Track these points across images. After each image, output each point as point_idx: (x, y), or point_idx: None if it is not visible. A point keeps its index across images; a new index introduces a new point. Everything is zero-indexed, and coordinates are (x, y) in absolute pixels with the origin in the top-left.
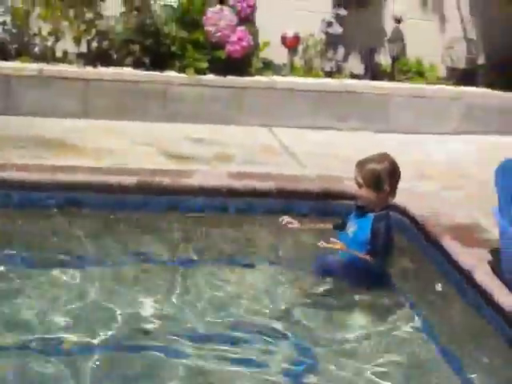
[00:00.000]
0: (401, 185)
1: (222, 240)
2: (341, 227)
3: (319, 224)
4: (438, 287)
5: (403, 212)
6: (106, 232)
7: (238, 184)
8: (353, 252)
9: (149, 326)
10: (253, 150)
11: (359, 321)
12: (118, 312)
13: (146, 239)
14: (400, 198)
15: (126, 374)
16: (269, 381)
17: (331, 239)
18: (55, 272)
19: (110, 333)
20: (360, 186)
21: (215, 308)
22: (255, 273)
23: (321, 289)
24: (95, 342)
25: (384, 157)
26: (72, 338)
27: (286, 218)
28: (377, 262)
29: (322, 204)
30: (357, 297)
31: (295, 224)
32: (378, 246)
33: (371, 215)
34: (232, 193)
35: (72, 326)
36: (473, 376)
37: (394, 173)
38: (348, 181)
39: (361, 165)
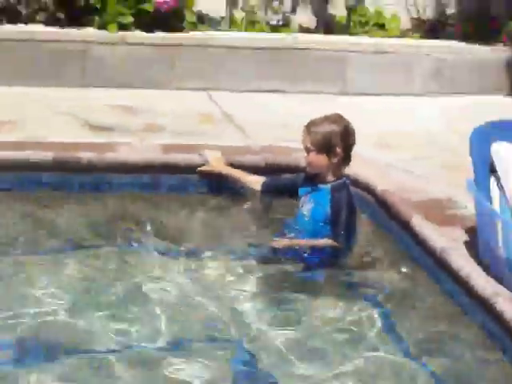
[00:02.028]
0: (363, 156)
1: (155, 224)
2: (269, 191)
3: (247, 175)
4: (405, 269)
5: (365, 187)
6: (19, 217)
7: (172, 158)
8: (312, 243)
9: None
10: (188, 118)
11: (321, 307)
12: None
13: (64, 223)
14: (362, 172)
15: None
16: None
17: (280, 241)
18: None
19: None
20: (309, 150)
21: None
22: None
23: (278, 274)
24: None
25: (335, 117)
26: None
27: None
28: (342, 242)
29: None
30: (320, 281)
31: (214, 156)
32: (340, 221)
33: (327, 186)
34: (164, 169)
35: None
36: (442, 370)
37: (347, 135)
38: (297, 152)
39: (309, 126)
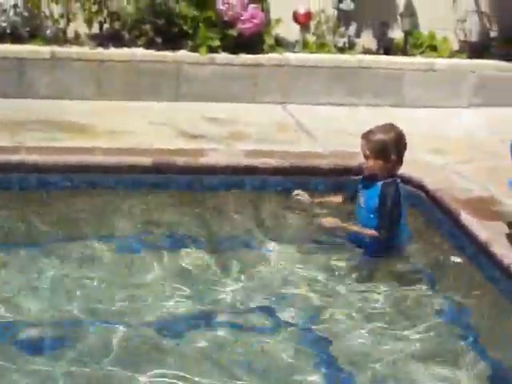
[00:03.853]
0: (415, 159)
1: (238, 219)
2: (350, 199)
3: (329, 197)
4: (454, 259)
5: (418, 185)
6: (120, 213)
7: (253, 162)
8: (355, 229)
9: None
10: (267, 127)
11: (375, 292)
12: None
13: (161, 219)
14: (414, 172)
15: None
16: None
17: (328, 219)
18: (71, 253)
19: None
20: (367, 157)
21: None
22: (273, 252)
23: (338, 262)
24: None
25: (389, 127)
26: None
27: (296, 191)
28: (384, 233)
29: (335, 180)
30: (371, 269)
31: (305, 198)
32: (385, 212)
33: (379, 183)
34: (247, 171)
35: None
36: (489, 351)
37: (400, 142)
38: (360, 156)
39: (367, 136)
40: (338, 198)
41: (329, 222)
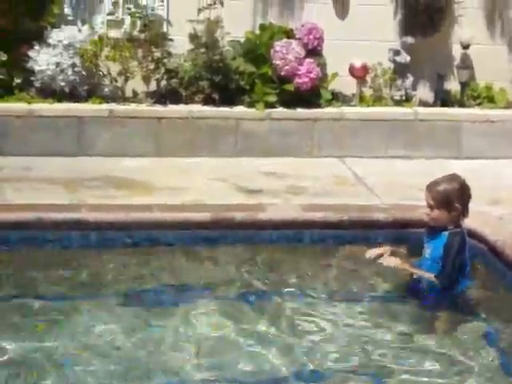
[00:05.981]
0: (476, 210)
1: (298, 273)
2: (415, 253)
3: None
4: None
5: (480, 238)
6: (182, 268)
7: (311, 216)
8: (416, 271)
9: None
10: (325, 181)
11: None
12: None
13: (221, 273)
14: (476, 224)
15: None
16: None
17: (391, 258)
18: (136, 309)
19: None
20: (432, 207)
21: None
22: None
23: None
24: None
25: (453, 177)
26: None
27: (376, 251)
28: (444, 281)
29: (395, 233)
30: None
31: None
32: (448, 261)
33: (445, 233)
34: (306, 225)
35: None
36: None
37: (464, 192)
38: (422, 209)
39: (431, 187)
40: (404, 250)
41: (391, 261)
